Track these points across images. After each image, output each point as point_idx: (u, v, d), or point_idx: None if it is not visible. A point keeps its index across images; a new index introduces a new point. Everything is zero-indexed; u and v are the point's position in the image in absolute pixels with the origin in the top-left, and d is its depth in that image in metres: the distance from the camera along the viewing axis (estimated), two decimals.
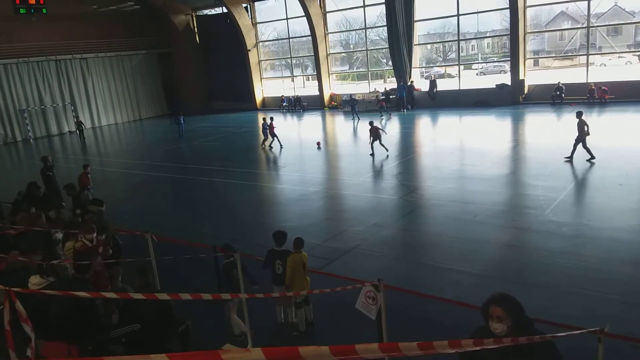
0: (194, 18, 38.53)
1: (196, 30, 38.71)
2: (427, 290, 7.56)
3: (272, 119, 21.70)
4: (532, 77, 27.52)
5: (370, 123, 18.15)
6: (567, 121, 21.15)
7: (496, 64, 35.79)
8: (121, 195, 15.37)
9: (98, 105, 36.15)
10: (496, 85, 27.62)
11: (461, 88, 29.15)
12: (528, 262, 8.61)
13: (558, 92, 25.09)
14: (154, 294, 4.95)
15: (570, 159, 14.32)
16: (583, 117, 14.29)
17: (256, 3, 35.27)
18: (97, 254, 6.73)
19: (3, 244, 7.80)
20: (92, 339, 5.30)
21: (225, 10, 34.64)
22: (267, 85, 37.40)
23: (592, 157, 14.06)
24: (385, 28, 29.63)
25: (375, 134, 17.71)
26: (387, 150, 17.58)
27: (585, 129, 14.13)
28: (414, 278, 8.28)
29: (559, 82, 25.28)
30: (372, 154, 17.62)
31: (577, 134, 14.23)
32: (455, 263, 8.64)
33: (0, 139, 30.42)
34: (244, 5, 34.80)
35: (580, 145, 14.15)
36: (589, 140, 14.19)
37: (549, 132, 19.62)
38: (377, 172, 15.90)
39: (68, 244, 7.16)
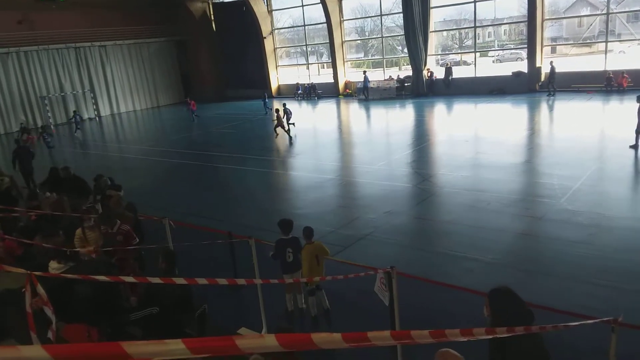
0: (211, 6, 38.55)
1: (213, 18, 38.74)
2: (440, 278, 7.59)
3: (284, 104, 22.21)
4: (550, 64, 27.05)
5: (284, 105, 20.52)
6: (582, 109, 20.88)
7: (513, 51, 35.19)
8: (139, 182, 15.61)
9: (117, 92, 36.56)
10: (513, 72, 27.23)
11: (477, 75, 28.80)
12: (542, 251, 8.60)
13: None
14: (172, 278, 5.07)
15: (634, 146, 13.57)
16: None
17: None
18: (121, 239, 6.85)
19: (26, 229, 7.99)
20: (111, 322, 5.47)
21: None
22: (282, 72, 37.37)
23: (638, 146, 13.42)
24: (401, 15, 29.34)
25: (280, 119, 19.86)
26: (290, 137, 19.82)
27: None
28: (427, 266, 8.33)
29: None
30: (289, 137, 19.97)
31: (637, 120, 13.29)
32: (468, 251, 8.67)
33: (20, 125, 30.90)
34: None
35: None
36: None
37: (565, 120, 19.36)
38: (391, 160, 15.88)
39: (78, 231, 7.25)
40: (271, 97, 35.39)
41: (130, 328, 5.67)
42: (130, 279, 5.27)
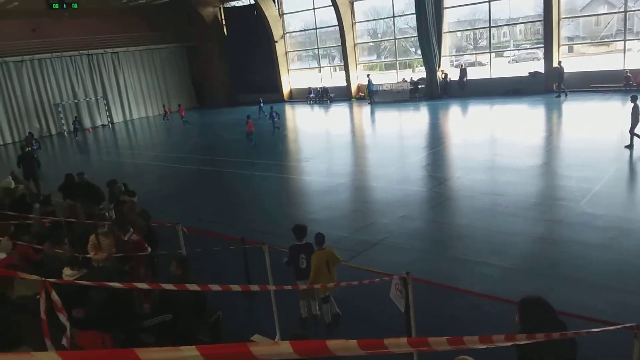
0: (222, 10, 38.73)
1: (224, 23, 38.93)
2: (457, 284, 7.46)
3: (271, 108, 23.55)
4: (567, 64, 26.69)
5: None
6: (601, 109, 20.52)
7: (529, 51, 34.78)
8: (151, 187, 15.67)
9: (129, 99, 36.89)
10: (529, 73, 26.91)
11: (492, 76, 28.50)
12: (561, 255, 8.39)
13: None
14: (185, 285, 5.02)
15: (629, 146, 13.68)
16: (638, 102, 13.59)
17: None
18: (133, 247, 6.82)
19: (39, 235, 8.02)
20: (125, 328, 5.43)
21: (252, 1, 34.70)
22: (294, 76, 37.39)
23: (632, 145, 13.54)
24: (414, 16, 29.17)
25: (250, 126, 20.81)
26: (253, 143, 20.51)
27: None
28: (443, 271, 8.18)
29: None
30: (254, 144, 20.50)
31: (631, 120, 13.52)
32: (485, 256, 8.50)
33: (36, 133, 31.34)
34: None
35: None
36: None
37: (584, 121, 19.03)
38: (405, 164, 15.74)
39: (92, 237, 7.24)
40: (282, 101, 35.42)
41: (143, 335, 5.63)
42: (143, 286, 5.22)
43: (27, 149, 18.16)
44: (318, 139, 22.27)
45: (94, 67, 34.74)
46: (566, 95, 23.81)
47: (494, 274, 7.92)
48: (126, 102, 36.72)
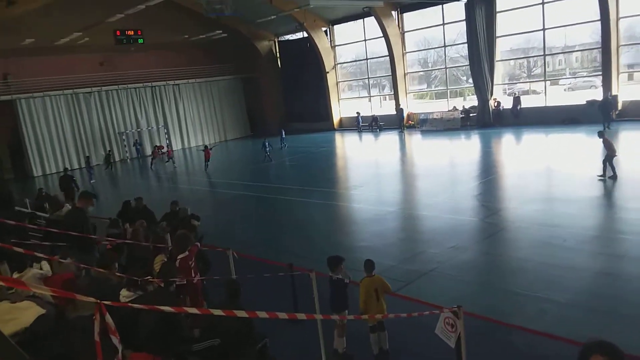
0: (276, 43, 40.06)
1: (278, 55, 40.19)
2: (511, 319, 7.16)
3: (206, 147, 26.49)
4: (627, 92, 25.57)
5: (205, 147, 25.38)
6: None
7: (586, 79, 33.62)
8: (206, 213, 16.11)
9: (188, 128, 38.54)
10: (586, 101, 25.94)
11: (548, 104, 27.68)
12: (624, 292, 7.89)
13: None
14: (233, 310, 5.09)
15: (613, 177, 14.17)
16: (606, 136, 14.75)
17: (335, 26, 36.02)
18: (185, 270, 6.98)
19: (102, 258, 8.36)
20: (175, 352, 5.54)
21: (305, 34, 35.70)
22: (344, 105, 37.83)
23: (604, 176, 14.19)
24: (465, 45, 29.01)
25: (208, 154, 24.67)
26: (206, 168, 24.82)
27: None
28: (495, 305, 7.87)
29: None
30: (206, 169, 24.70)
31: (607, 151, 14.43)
32: (541, 291, 8.12)
33: (100, 159, 33.14)
34: (324, 29, 35.68)
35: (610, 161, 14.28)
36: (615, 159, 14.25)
37: None
38: (456, 193, 15.42)
39: (158, 258, 7.51)
40: (333, 129, 35.72)
41: (192, 359, 5.72)
42: (193, 310, 5.34)
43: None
44: (367, 167, 22.25)
45: (156, 98, 36.64)
46: (609, 127, 22.29)
47: (550, 310, 7.55)
48: (185, 130, 38.36)
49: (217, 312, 4.87)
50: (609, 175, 14.18)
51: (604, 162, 14.31)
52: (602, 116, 23.03)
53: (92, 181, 26.32)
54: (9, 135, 30.97)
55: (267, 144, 25.89)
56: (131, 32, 26.99)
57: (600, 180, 14.24)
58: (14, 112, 30.36)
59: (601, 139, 14.70)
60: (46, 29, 27.13)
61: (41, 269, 7.34)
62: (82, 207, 7.90)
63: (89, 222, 7.88)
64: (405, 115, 32.04)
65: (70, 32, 28.25)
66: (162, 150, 31.81)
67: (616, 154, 14.27)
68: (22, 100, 30.47)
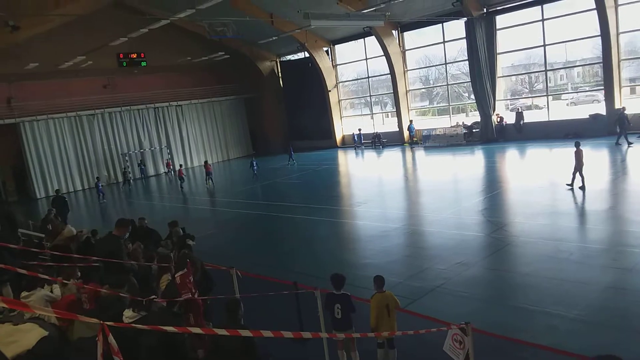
0: (278, 64, 40.43)
1: (280, 75, 40.53)
2: (519, 335, 7.03)
3: (206, 162, 28.40)
4: (630, 105, 25.55)
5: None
6: None
7: (588, 93, 33.69)
8: (209, 232, 16.06)
9: (191, 148, 38.73)
10: (589, 115, 25.94)
11: (550, 119, 27.71)
12: (632, 306, 7.76)
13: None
14: (237, 330, 5.01)
15: (582, 187, 14.97)
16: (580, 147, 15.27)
17: (336, 46, 36.37)
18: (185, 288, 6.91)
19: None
20: None
21: (307, 54, 36.04)
22: (346, 123, 37.99)
23: (572, 186, 15.10)
24: (467, 62, 29.19)
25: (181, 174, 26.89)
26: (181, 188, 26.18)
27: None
28: (504, 321, 7.75)
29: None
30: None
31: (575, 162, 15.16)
32: (550, 306, 8.00)
33: (104, 180, 33.28)
34: (325, 49, 36.04)
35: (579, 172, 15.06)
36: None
37: None
38: (461, 208, 15.33)
39: (164, 277, 7.43)
40: (335, 147, 35.81)
41: None
42: (197, 330, 5.26)
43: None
44: (371, 184, 22.21)
45: (159, 119, 36.90)
46: (629, 145, 21.76)
47: (559, 325, 7.42)
48: (187, 150, 38.54)
49: (221, 331, 4.80)
50: (579, 185, 15.06)
51: (574, 172, 15.17)
52: (620, 130, 22.28)
53: (103, 201, 26.55)
54: (13, 158, 31.20)
55: (254, 163, 27.01)
56: (134, 55, 27.32)
57: (569, 189, 15.23)
58: (18, 135, 30.60)
59: (574, 150, 15.32)
60: (50, 53, 27.52)
61: (52, 291, 7.30)
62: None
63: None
64: (414, 130, 31.97)
65: (73, 55, 28.64)
66: (171, 169, 33.04)
67: (584, 165, 15.15)
68: (26, 124, 30.72)
